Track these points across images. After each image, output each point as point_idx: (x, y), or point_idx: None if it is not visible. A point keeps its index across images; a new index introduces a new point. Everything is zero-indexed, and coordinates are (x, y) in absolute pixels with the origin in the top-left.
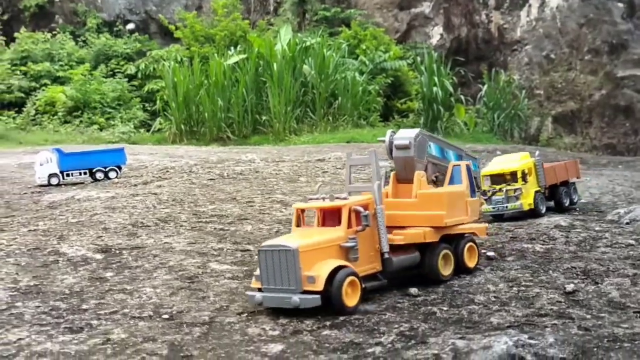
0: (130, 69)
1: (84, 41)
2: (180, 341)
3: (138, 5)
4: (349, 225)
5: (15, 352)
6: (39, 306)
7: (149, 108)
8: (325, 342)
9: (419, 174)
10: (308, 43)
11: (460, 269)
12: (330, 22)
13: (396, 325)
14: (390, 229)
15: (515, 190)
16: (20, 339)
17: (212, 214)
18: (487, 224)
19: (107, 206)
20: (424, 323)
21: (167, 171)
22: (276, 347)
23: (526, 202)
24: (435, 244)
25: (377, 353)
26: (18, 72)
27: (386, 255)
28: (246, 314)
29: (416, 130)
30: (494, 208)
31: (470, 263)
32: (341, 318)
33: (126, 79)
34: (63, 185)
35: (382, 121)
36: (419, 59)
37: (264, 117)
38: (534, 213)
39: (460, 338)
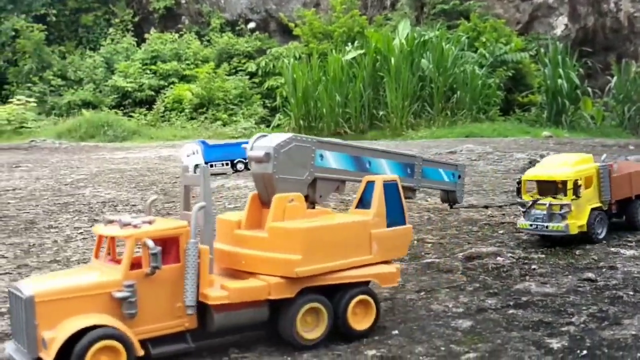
0: (251, 66)
1: (208, 41)
2: None
3: (259, 4)
4: (135, 266)
5: None
6: None
7: (268, 104)
8: (513, 320)
9: (281, 198)
10: (426, 37)
11: (346, 332)
12: (449, 15)
13: (584, 308)
14: (239, 273)
15: (561, 206)
16: None
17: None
18: (397, 267)
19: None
20: (612, 306)
21: None
22: (465, 323)
23: (575, 223)
24: (295, 297)
25: (571, 332)
26: (148, 72)
27: (190, 312)
28: (424, 292)
29: (285, 136)
30: (531, 225)
31: (360, 324)
32: (524, 299)
33: (247, 77)
34: None
35: (502, 115)
36: (542, 50)
37: (381, 112)
38: (585, 238)
39: None
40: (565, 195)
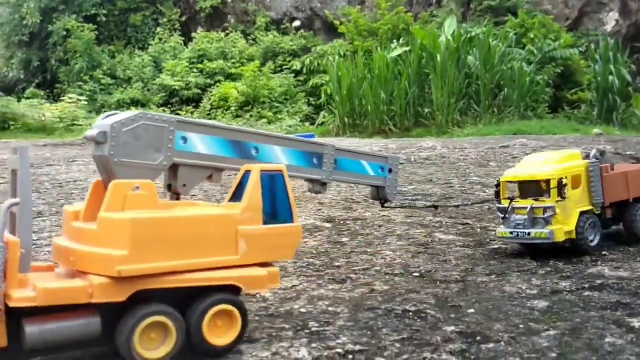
0: (296, 65)
1: (253, 39)
2: (442, 294)
3: (304, 3)
4: None
5: (296, 295)
6: (296, 262)
7: (313, 102)
8: (590, 301)
9: (119, 185)
10: (473, 34)
11: (202, 348)
12: (496, 11)
13: None
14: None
15: (545, 209)
16: (294, 285)
17: (415, 193)
18: (271, 271)
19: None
20: None
21: None
22: (542, 304)
23: (561, 229)
24: (133, 306)
25: None
26: (195, 70)
27: None
28: (495, 275)
29: (130, 114)
30: (512, 233)
31: (219, 339)
32: (599, 282)
33: (292, 75)
34: None
35: (550, 113)
36: (592, 46)
37: (426, 110)
38: (575, 247)
39: None
40: (550, 196)
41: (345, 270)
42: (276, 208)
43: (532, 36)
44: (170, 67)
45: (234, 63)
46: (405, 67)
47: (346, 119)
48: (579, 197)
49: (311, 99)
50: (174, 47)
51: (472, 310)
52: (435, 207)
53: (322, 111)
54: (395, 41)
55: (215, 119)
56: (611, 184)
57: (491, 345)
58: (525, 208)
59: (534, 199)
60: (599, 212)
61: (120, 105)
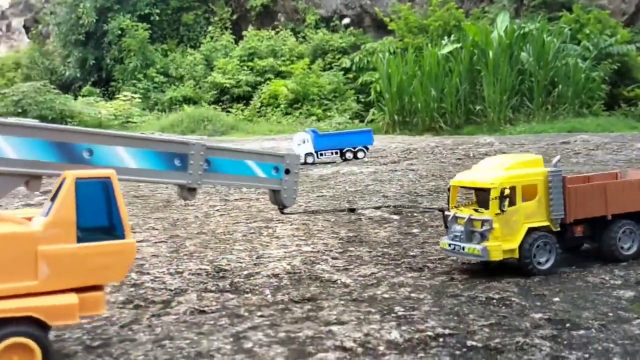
0: (345, 62)
1: (303, 37)
2: (524, 284)
3: (353, 0)
4: None
5: (376, 281)
6: (370, 251)
7: (362, 99)
8: None
9: None
10: (526, 29)
11: None
12: (550, 6)
13: None
14: None
15: (482, 222)
16: (373, 273)
17: None
18: (97, 296)
19: (375, 179)
20: None
21: (410, 152)
22: (628, 293)
23: (499, 246)
24: None
25: None
26: (245, 68)
27: None
28: (575, 266)
29: None
30: (450, 245)
31: None
32: None
33: (341, 72)
34: (317, 164)
35: (606, 110)
36: None
37: (477, 107)
38: (521, 268)
39: None
40: (489, 208)
41: (421, 260)
42: (102, 221)
43: (587, 32)
44: (221, 65)
45: (283, 61)
46: (456, 63)
47: (396, 116)
48: (532, 210)
49: (360, 96)
50: (225, 45)
51: (557, 299)
52: (352, 210)
53: (371, 108)
54: (445, 37)
55: (264, 116)
56: (578, 196)
57: (582, 332)
58: (464, 218)
59: (475, 209)
60: (557, 228)
61: (173, 103)
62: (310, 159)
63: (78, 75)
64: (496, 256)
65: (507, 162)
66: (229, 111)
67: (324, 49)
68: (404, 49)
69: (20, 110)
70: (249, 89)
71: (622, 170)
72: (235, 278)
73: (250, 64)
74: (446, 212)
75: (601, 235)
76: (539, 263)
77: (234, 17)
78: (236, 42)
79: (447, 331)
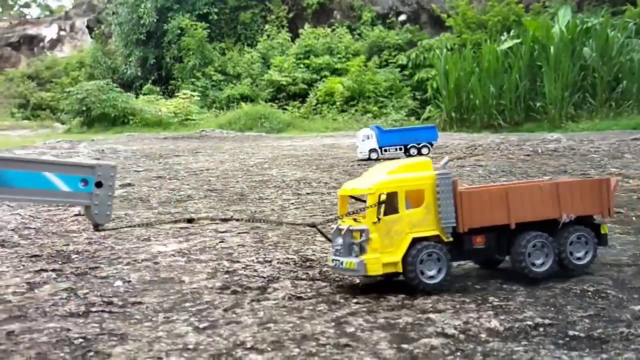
0: (402, 59)
1: (359, 34)
2: (618, 276)
3: None
4: None
5: (464, 273)
6: None
7: (418, 97)
8: None
9: None
10: (589, 24)
11: None
12: (613, 0)
13: None
14: None
15: (361, 232)
16: (459, 264)
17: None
18: None
19: None
20: None
21: (475, 148)
22: None
23: (378, 259)
24: None
25: None
26: (302, 66)
27: None
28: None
29: None
30: (333, 261)
31: None
32: None
33: (397, 69)
34: (381, 160)
35: None
36: None
37: (538, 104)
38: (409, 284)
39: None
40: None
41: None
42: None
43: None
44: (278, 62)
45: (339, 58)
46: (515, 59)
47: (453, 113)
48: (419, 218)
49: (416, 93)
50: (282, 43)
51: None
52: (236, 219)
53: (427, 105)
54: (505, 33)
55: (320, 113)
56: (473, 202)
57: None
58: (343, 229)
59: (354, 219)
60: (449, 239)
61: (230, 101)
62: (374, 155)
63: (139, 74)
64: (374, 270)
65: (391, 167)
66: (285, 109)
67: (380, 46)
68: (462, 45)
69: (84, 108)
70: (305, 86)
71: (553, 178)
72: (323, 267)
73: (306, 61)
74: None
75: (509, 249)
76: (429, 277)
77: (290, 15)
78: (292, 40)
79: (546, 321)
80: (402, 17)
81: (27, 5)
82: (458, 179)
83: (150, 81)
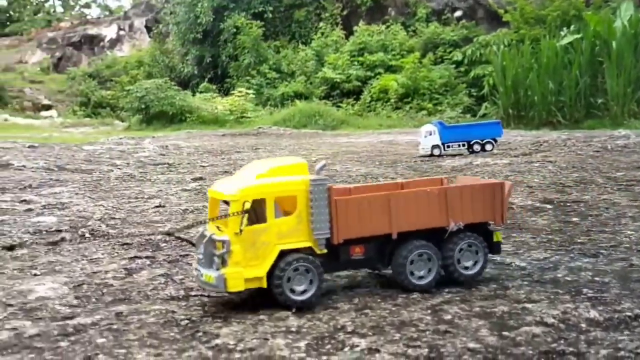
0: (457, 55)
1: (413, 31)
2: None
3: None
4: None
5: (553, 265)
6: (534, 237)
7: (474, 93)
8: None
9: None
10: None
11: None
12: None
13: None
14: None
15: (223, 243)
16: (545, 257)
17: (628, 179)
18: None
19: (512, 170)
20: None
21: (540, 145)
22: None
23: (239, 274)
24: None
25: None
26: (356, 63)
27: None
28: None
29: None
30: (197, 271)
31: None
32: None
33: (453, 66)
34: (444, 156)
35: None
36: None
37: (599, 100)
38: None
39: None
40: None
41: (592, 246)
42: None
43: None
44: (332, 60)
45: (394, 55)
46: (576, 55)
47: (510, 110)
48: (289, 228)
49: (472, 90)
50: (336, 40)
51: None
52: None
53: (483, 102)
54: (564, 28)
55: (374, 110)
56: (350, 211)
57: None
58: (205, 238)
59: (217, 226)
60: (322, 251)
61: (284, 99)
62: (436, 151)
63: (195, 72)
64: (235, 286)
65: (262, 169)
66: (339, 106)
67: (435, 42)
68: (520, 40)
69: (143, 106)
70: (359, 83)
71: (449, 177)
72: None
73: (360, 59)
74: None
75: (390, 260)
76: (299, 292)
77: (344, 12)
78: (346, 37)
79: None
80: (458, 13)
81: (87, 6)
82: (334, 185)
83: (206, 79)
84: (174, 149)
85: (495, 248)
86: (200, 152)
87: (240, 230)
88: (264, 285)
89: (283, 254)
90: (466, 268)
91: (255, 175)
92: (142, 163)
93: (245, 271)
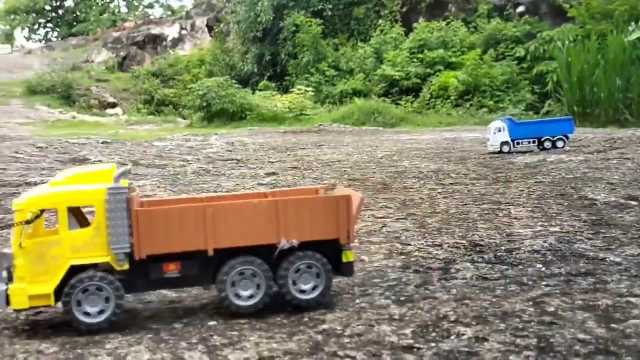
0: (520, 51)
1: (474, 27)
2: None
3: None
4: None
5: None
6: (625, 233)
7: (537, 90)
8: None
9: None
10: None
11: None
12: None
13: None
14: None
15: (8, 257)
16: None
17: None
18: None
19: (589, 167)
20: None
21: (614, 141)
22: None
23: (23, 290)
24: None
25: None
26: (415, 60)
27: None
28: None
29: None
30: None
31: None
32: None
33: (515, 62)
34: (514, 153)
35: None
36: None
37: None
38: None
39: None
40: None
41: None
42: None
43: None
44: (391, 57)
45: (454, 52)
46: None
47: (575, 108)
48: (85, 241)
49: (535, 87)
50: (395, 37)
51: None
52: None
53: (547, 99)
54: (632, 23)
55: (433, 108)
56: (154, 224)
57: None
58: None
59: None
60: (122, 267)
61: (343, 96)
62: (506, 148)
63: (255, 70)
64: (18, 304)
65: (60, 176)
66: (398, 103)
67: (497, 38)
68: (585, 36)
69: (205, 104)
70: (418, 81)
71: (328, 185)
72: (496, 252)
73: (419, 55)
74: None
75: (212, 277)
76: (87, 314)
77: (404, 9)
78: (406, 34)
79: None
80: (521, 9)
81: (150, 6)
82: (136, 195)
83: (266, 77)
84: (240, 145)
85: (344, 269)
86: (265, 148)
87: (20, 244)
88: (52, 303)
89: (75, 269)
90: (303, 292)
91: (51, 182)
92: (211, 159)
93: (29, 287)
